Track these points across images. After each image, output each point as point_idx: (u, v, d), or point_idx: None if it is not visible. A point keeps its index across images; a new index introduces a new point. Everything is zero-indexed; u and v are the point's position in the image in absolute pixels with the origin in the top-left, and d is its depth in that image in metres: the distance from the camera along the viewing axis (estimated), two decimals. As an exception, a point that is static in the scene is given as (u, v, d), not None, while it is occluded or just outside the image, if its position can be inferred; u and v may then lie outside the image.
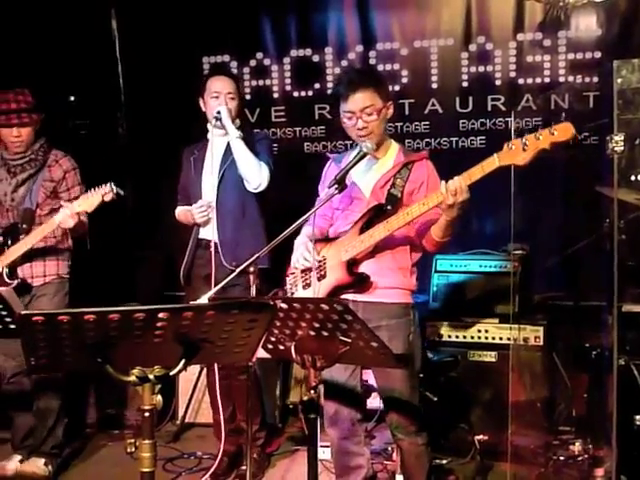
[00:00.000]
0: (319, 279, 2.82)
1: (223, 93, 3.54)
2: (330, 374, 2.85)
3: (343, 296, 2.79)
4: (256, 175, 3.47)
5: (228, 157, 3.52)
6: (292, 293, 2.92)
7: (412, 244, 2.81)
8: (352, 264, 2.77)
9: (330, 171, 3.00)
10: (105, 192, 3.34)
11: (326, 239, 2.92)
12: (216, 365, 3.50)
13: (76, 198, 3.50)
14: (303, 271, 2.87)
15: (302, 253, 2.84)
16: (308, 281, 2.86)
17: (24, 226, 3.51)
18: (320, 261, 2.83)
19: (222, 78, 3.59)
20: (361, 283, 2.76)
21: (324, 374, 2.83)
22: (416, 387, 2.86)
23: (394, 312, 2.77)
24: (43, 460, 3.65)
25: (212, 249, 3.49)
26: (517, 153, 2.40)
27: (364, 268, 2.77)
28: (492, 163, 2.45)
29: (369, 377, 3.28)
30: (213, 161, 3.55)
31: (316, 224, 2.99)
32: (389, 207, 2.73)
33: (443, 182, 2.52)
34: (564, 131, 2.34)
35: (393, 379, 2.75)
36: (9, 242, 3.49)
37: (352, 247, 2.75)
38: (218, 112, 3.47)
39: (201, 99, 3.62)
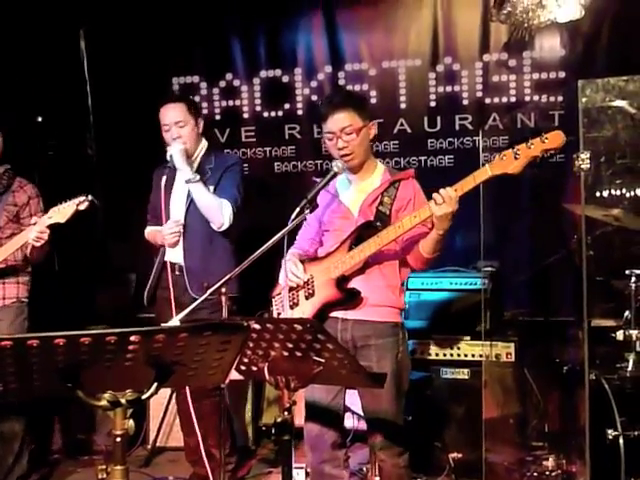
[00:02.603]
0: (307, 297, 2.81)
1: (171, 124, 3.45)
2: (312, 396, 2.83)
3: (333, 313, 2.79)
4: (217, 217, 3.39)
5: None
6: (279, 314, 2.89)
7: (400, 261, 2.80)
8: (342, 281, 2.76)
9: (318, 196, 3.00)
10: (80, 201, 3.27)
11: (313, 259, 2.91)
12: (187, 388, 3.45)
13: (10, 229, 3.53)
14: (290, 290, 2.85)
15: (290, 268, 2.82)
16: (295, 300, 2.85)
17: None
18: (308, 279, 2.83)
19: (169, 107, 3.48)
20: (352, 299, 2.75)
21: (307, 396, 2.84)
22: (402, 408, 2.82)
23: (383, 331, 2.75)
24: None
25: (177, 272, 3.44)
26: (509, 162, 2.43)
27: (353, 285, 2.76)
28: (484, 173, 2.47)
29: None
30: (182, 186, 3.47)
31: (301, 247, 3.00)
32: (378, 224, 2.73)
33: (435, 194, 2.52)
34: (555, 138, 2.39)
35: (379, 399, 2.72)
36: None
37: (342, 263, 2.74)
38: (170, 156, 3.37)
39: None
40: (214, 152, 3.63)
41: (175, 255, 3.50)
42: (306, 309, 2.80)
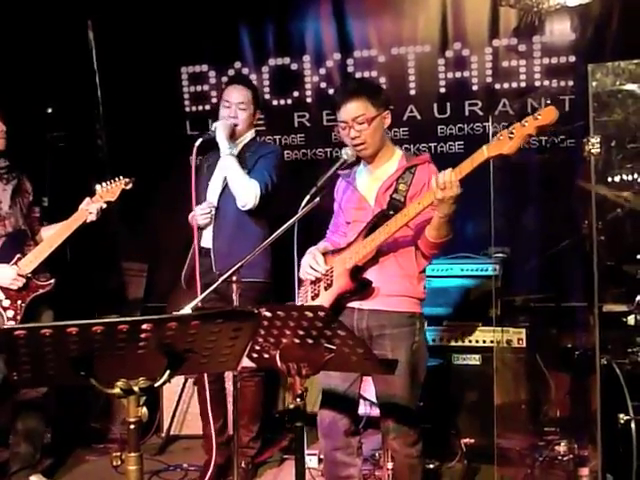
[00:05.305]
0: (326, 288, 2.81)
1: (234, 103, 3.59)
2: (329, 384, 2.84)
3: (350, 303, 2.79)
4: (242, 194, 3.49)
5: None
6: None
7: (416, 248, 2.77)
8: (357, 271, 2.75)
9: (340, 188, 3.01)
10: (126, 181, 3.57)
11: (335, 250, 2.90)
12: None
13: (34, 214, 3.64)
14: (314, 282, 2.86)
15: (308, 262, 2.84)
16: (317, 291, 2.85)
17: (28, 231, 3.53)
18: (327, 271, 2.83)
19: (237, 87, 3.65)
20: (363, 289, 2.74)
21: (323, 384, 2.85)
22: (417, 398, 2.81)
23: (398, 320, 2.74)
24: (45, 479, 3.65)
25: (209, 257, 3.54)
26: (504, 142, 2.40)
27: (369, 275, 2.75)
28: (481, 155, 2.45)
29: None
30: (220, 171, 3.61)
31: (331, 239, 3.03)
32: (391, 212, 2.70)
33: (433, 176, 2.51)
34: (548, 114, 2.36)
35: (392, 386, 2.71)
36: (23, 248, 3.48)
37: (355, 253, 2.74)
38: (215, 128, 3.53)
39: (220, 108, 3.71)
40: (258, 142, 3.80)
41: (208, 240, 3.60)
42: (324, 299, 2.80)
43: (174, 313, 2.49)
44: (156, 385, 1.70)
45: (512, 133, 2.39)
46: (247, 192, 3.49)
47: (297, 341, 2.02)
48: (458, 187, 2.46)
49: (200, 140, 3.49)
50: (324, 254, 2.89)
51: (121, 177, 3.60)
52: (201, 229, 3.61)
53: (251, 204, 3.50)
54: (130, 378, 1.69)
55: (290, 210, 2.73)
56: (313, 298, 2.85)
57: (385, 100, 2.85)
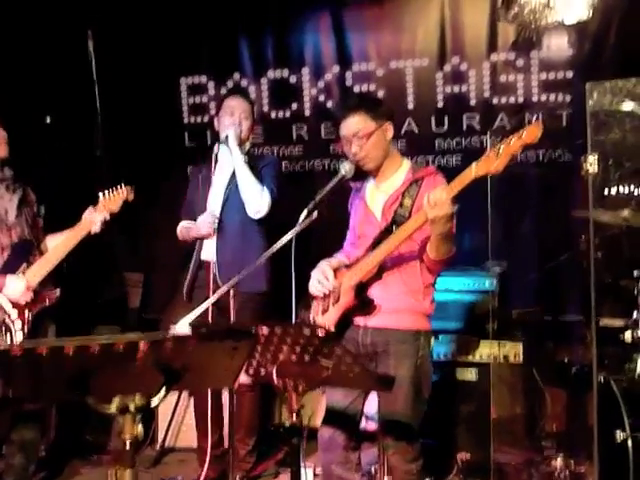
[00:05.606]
0: (334, 304, 2.80)
1: (238, 111, 3.63)
2: (331, 400, 2.84)
3: (355, 321, 2.77)
4: (256, 202, 3.52)
5: (234, 179, 3.58)
6: (314, 319, 2.87)
7: (422, 261, 2.73)
8: (361, 288, 2.74)
9: (353, 201, 2.99)
10: (127, 191, 3.51)
11: (348, 265, 2.88)
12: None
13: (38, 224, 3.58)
14: (325, 297, 2.83)
15: (317, 277, 2.82)
16: (326, 306, 2.83)
17: (34, 241, 3.50)
18: (336, 287, 2.81)
19: (238, 98, 3.72)
20: (365, 306, 2.73)
21: (327, 400, 2.84)
22: (420, 414, 2.77)
23: (401, 337, 2.71)
24: None
25: (213, 270, 3.52)
26: (492, 161, 2.40)
27: (373, 291, 2.73)
28: (469, 174, 2.43)
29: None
30: (220, 181, 3.62)
31: (346, 252, 3.00)
32: (394, 227, 2.67)
33: (426, 195, 2.49)
34: (531, 133, 2.37)
35: (394, 403, 2.69)
36: (29, 258, 3.43)
37: (359, 270, 2.73)
38: (227, 136, 3.55)
39: (216, 118, 3.73)
40: (255, 154, 3.88)
41: (210, 253, 3.58)
42: (332, 315, 2.79)
43: (171, 326, 2.50)
44: (152, 405, 1.69)
45: (499, 152, 2.39)
46: (261, 200, 3.52)
47: (294, 358, 2.02)
48: (450, 206, 2.43)
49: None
50: (337, 268, 2.86)
51: (122, 186, 3.56)
52: (201, 240, 3.61)
53: (264, 212, 3.54)
54: (126, 394, 1.68)
55: (289, 221, 2.73)
56: (323, 313, 2.84)
57: (385, 112, 2.83)
